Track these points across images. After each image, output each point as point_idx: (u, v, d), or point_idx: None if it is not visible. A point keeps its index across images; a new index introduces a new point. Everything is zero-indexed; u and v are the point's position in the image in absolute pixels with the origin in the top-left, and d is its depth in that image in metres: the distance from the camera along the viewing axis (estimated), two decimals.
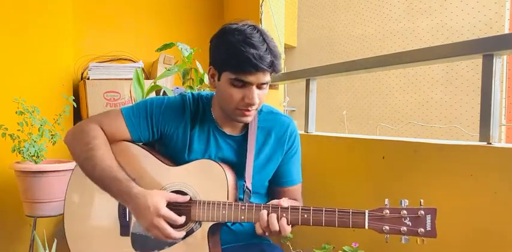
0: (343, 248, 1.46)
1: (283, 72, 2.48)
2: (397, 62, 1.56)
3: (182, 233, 1.11)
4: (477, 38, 1.28)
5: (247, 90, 1.13)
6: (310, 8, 7.48)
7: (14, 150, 2.01)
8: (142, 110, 1.24)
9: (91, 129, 1.21)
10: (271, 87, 2.43)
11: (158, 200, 1.07)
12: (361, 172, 1.65)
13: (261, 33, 1.13)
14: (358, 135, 1.78)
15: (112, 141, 1.23)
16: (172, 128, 1.24)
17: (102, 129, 1.22)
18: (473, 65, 4.85)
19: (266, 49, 1.10)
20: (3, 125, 2.02)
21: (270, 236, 1.10)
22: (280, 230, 1.06)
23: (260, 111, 1.30)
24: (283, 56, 2.51)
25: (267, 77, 1.13)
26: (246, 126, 1.27)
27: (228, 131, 1.26)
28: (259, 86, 1.15)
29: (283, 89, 2.55)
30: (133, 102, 2.03)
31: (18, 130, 2.02)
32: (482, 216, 1.18)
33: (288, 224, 1.08)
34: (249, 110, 1.16)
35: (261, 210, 1.09)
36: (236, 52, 1.09)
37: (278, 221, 1.07)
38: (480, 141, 1.23)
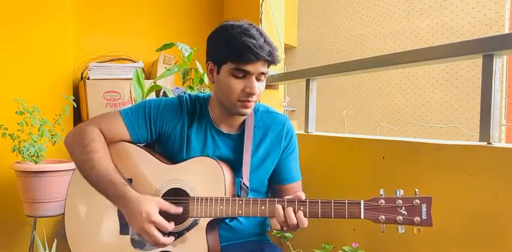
0: (343, 248, 1.46)
1: (283, 72, 2.48)
2: (397, 62, 1.56)
3: (171, 239, 1.11)
4: (477, 38, 1.28)
5: (248, 80, 1.15)
6: (310, 8, 7.48)
7: (14, 150, 2.01)
8: (141, 111, 1.26)
9: (90, 132, 1.22)
10: (271, 87, 2.43)
11: (151, 206, 1.08)
12: (361, 172, 1.65)
13: (257, 29, 1.18)
14: (358, 135, 1.78)
15: (111, 142, 1.24)
16: (170, 127, 1.26)
17: (101, 131, 1.24)
18: (473, 65, 4.85)
19: (264, 41, 1.15)
20: (3, 125, 2.02)
21: (289, 230, 1.11)
22: (298, 224, 1.07)
23: (256, 111, 1.31)
24: (283, 56, 2.52)
25: (265, 68, 1.17)
26: (242, 124, 1.28)
27: (225, 129, 1.28)
28: (258, 78, 1.17)
29: (283, 89, 2.55)
30: (133, 102, 2.04)
31: (18, 130, 2.02)
32: (483, 216, 1.18)
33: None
34: (249, 101, 1.17)
35: (258, 204, 1.11)
36: (236, 42, 1.13)
37: (284, 213, 1.08)
38: (480, 141, 1.23)
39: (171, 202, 1.16)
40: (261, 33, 1.16)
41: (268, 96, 2.41)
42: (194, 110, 1.28)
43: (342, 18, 6.89)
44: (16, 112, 2.01)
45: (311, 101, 2.05)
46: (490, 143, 1.21)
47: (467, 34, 5.12)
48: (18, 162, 2.06)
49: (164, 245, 1.11)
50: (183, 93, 1.34)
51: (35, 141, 2.02)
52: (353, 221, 1.65)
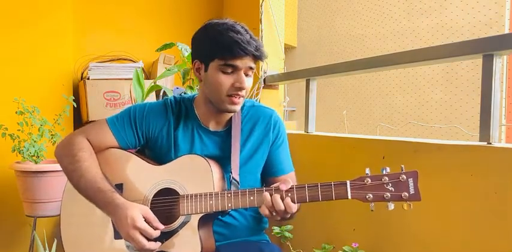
0: (343, 248, 1.46)
1: (283, 72, 2.48)
2: (397, 62, 1.56)
3: (157, 244, 1.12)
4: (477, 38, 1.28)
5: (236, 75, 1.17)
6: (310, 8, 7.48)
7: (14, 150, 2.01)
8: (126, 117, 1.28)
9: (78, 142, 1.24)
10: (271, 87, 2.43)
11: (136, 213, 1.09)
12: (361, 172, 1.64)
13: (242, 26, 1.20)
14: (358, 135, 1.78)
15: (100, 150, 1.26)
16: (156, 130, 1.28)
17: (89, 140, 1.26)
18: (473, 65, 4.85)
19: (250, 37, 1.17)
20: (3, 125, 2.03)
21: (278, 216, 1.10)
22: (286, 209, 1.07)
23: (243, 106, 1.32)
24: (283, 56, 2.52)
25: (253, 63, 1.19)
26: (230, 121, 1.29)
27: (212, 127, 1.29)
28: (246, 73, 1.19)
29: (283, 89, 2.55)
30: (133, 102, 2.04)
31: (18, 130, 2.02)
32: (483, 216, 1.18)
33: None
34: (238, 96, 1.19)
35: (246, 194, 1.12)
36: (224, 39, 1.15)
37: (271, 199, 1.07)
38: (480, 141, 1.23)
39: (161, 202, 1.17)
40: (246, 30, 1.18)
41: (268, 96, 2.41)
42: (180, 110, 1.30)
43: (342, 18, 6.88)
44: (16, 112, 2.02)
45: (311, 101, 2.05)
46: (490, 143, 1.21)
47: (467, 34, 5.12)
48: (18, 162, 2.06)
49: (150, 250, 1.11)
50: (168, 96, 1.35)
51: (35, 141, 2.02)
52: (353, 221, 1.65)
